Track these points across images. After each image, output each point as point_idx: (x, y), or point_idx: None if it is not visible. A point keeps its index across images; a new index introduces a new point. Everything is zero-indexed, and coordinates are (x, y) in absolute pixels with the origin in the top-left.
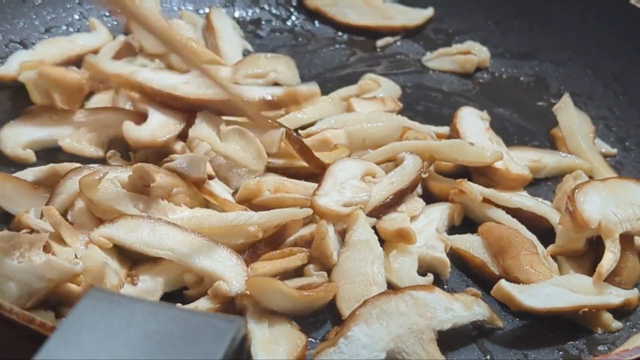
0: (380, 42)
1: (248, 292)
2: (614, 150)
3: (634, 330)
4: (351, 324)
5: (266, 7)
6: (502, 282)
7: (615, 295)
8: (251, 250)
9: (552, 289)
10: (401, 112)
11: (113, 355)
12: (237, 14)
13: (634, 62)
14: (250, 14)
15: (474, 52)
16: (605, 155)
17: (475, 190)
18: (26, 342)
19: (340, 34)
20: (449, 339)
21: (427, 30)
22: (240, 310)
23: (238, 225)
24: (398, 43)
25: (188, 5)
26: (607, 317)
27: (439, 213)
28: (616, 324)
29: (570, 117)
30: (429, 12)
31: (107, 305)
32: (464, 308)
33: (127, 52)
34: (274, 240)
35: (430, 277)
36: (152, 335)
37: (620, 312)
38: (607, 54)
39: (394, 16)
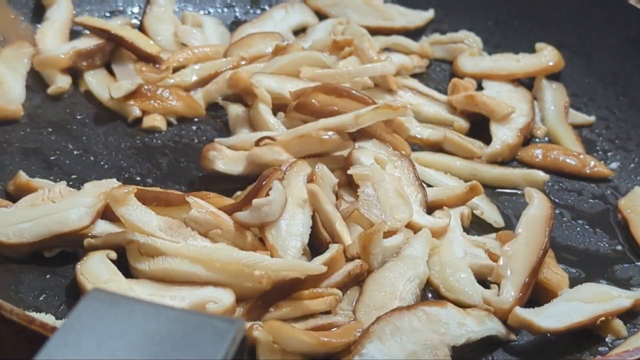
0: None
1: (261, 326)
2: (592, 118)
3: (634, 329)
4: (365, 342)
5: (267, 7)
6: (517, 310)
7: (625, 298)
8: (260, 300)
9: (566, 305)
10: None
11: (113, 355)
12: (237, 15)
13: (634, 63)
14: (250, 15)
15: (466, 42)
16: (582, 125)
17: None
18: (26, 342)
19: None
20: None
21: (427, 30)
22: (252, 342)
23: (248, 266)
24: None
25: (188, 7)
26: (618, 323)
27: (454, 218)
28: (625, 330)
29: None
30: (429, 13)
31: (107, 306)
32: (477, 323)
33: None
34: (286, 290)
35: (495, 289)
36: (152, 335)
37: (630, 315)
38: (607, 55)
39: (394, 17)
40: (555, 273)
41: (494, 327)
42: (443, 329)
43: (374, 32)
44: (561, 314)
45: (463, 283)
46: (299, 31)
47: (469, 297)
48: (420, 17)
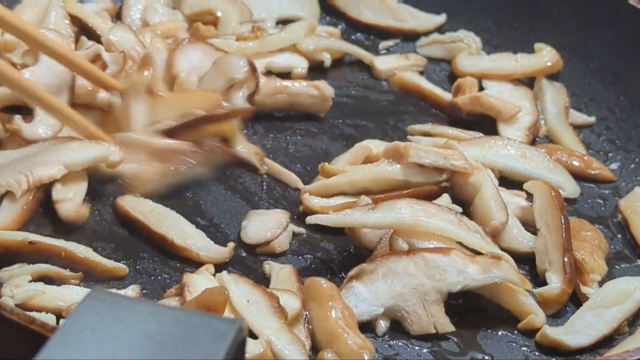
0: (382, 45)
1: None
2: (592, 119)
3: (634, 328)
4: (353, 279)
5: None
6: (546, 329)
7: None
8: None
9: (590, 316)
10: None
11: (114, 355)
12: None
13: (635, 63)
14: None
15: (465, 42)
16: (582, 126)
17: None
18: (27, 342)
19: (344, 27)
20: (452, 340)
21: None
22: None
23: None
24: (398, 44)
25: None
26: None
27: (487, 173)
28: None
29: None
30: (441, 18)
31: (107, 306)
32: (481, 271)
33: None
34: None
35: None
36: (152, 335)
37: None
38: (608, 55)
39: (405, 18)
40: (595, 261)
41: (501, 274)
42: (439, 275)
43: (384, 31)
44: (587, 326)
45: (512, 231)
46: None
47: (520, 244)
48: (431, 21)
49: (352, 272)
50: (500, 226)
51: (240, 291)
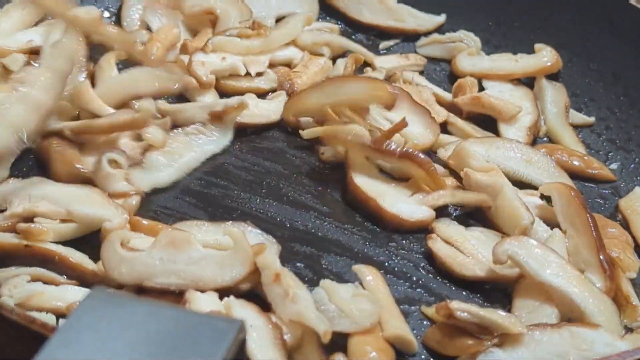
0: (382, 45)
1: None
2: (592, 119)
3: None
4: (495, 346)
5: None
6: None
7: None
8: None
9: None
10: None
11: (114, 355)
12: None
13: (635, 63)
14: None
15: (465, 42)
16: (582, 125)
17: None
18: (27, 342)
19: (344, 27)
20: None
21: None
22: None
23: None
24: (398, 44)
25: None
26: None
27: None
28: None
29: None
30: (441, 18)
31: (108, 305)
32: (632, 346)
33: None
34: None
35: None
36: (152, 335)
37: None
38: (608, 55)
39: (405, 19)
40: (628, 257)
41: None
42: (585, 345)
43: (384, 31)
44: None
45: (537, 231)
46: None
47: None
48: (431, 21)
49: (494, 340)
50: (529, 226)
51: (242, 314)
